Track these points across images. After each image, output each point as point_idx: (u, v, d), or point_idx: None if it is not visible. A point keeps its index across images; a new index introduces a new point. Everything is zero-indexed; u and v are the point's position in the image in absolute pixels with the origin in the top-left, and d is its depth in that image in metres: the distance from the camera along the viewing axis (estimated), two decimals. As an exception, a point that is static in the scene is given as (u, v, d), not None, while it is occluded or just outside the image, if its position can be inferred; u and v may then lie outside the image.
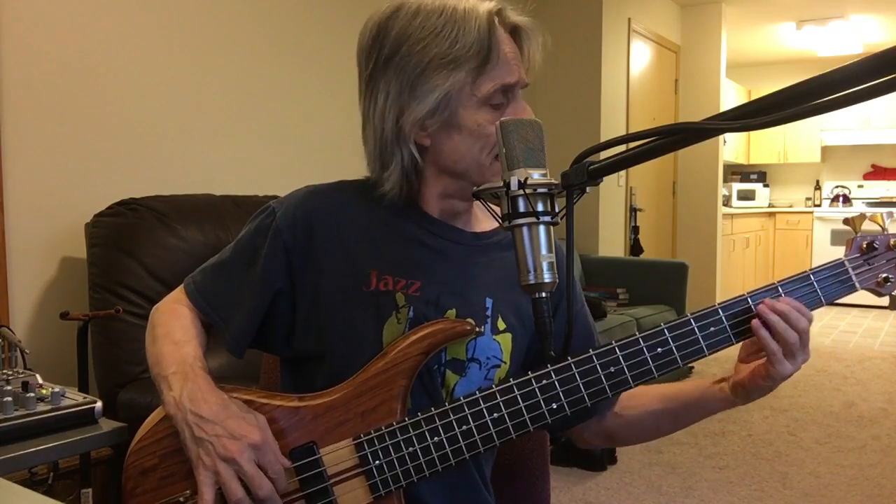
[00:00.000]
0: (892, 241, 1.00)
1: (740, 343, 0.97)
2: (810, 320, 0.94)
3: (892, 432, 3.54)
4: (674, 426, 1.07)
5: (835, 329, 6.28)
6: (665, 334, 0.94)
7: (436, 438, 0.92)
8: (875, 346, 5.60)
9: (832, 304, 7.31)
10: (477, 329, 0.97)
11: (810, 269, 0.99)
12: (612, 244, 5.01)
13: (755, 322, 0.93)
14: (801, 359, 0.93)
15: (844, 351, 5.37)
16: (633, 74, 5.18)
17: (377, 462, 0.92)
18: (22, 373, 1.64)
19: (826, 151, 8.26)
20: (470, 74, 0.94)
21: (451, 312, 0.99)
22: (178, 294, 1.07)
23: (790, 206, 8.38)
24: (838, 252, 1.02)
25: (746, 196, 8.21)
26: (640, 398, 1.07)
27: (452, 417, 0.93)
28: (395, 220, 1.03)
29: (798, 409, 3.91)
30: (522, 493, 1.22)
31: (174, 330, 1.01)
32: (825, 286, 0.98)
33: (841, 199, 8.15)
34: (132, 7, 2.53)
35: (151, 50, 2.60)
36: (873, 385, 4.41)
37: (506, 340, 1.02)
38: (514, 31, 0.99)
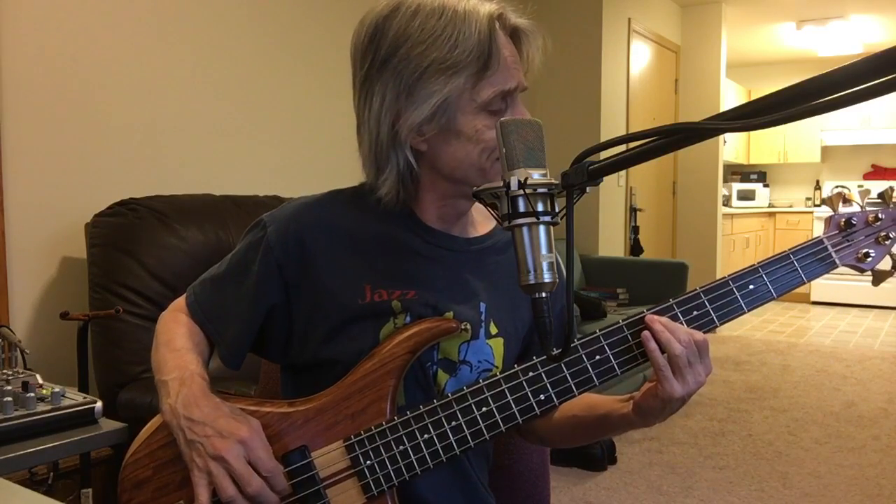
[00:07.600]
0: (870, 217, 1.01)
1: (724, 324, 0.95)
2: (702, 339, 0.90)
3: (892, 432, 3.54)
4: (586, 437, 1.04)
5: (835, 329, 6.27)
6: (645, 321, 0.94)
7: (425, 436, 0.92)
8: (875, 346, 5.60)
9: (833, 304, 7.32)
10: (462, 328, 0.97)
11: (790, 249, 0.98)
12: (612, 244, 5.01)
13: (645, 333, 0.90)
14: (691, 380, 0.88)
15: (844, 351, 5.37)
16: (633, 74, 5.18)
17: (368, 462, 0.92)
18: (22, 373, 1.64)
19: (826, 151, 8.26)
20: (469, 80, 0.91)
21: (449, 315, 0.99)
22: (182, 302, 1.08)
23: (790, 206, 8.38)
24: (838, 252, 1.02)
25: (746, 196, 8.21)
26: (569, 402, 1.00)
27: (441, 414, 0.93)
28: (388, 229, 1.01)
29: (798, 409, 3.91)
30: (522, 493, 1.22)
31: (175, 337, 1.01)
32: (806, 264, 0.97)
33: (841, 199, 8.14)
34: (132, 7, 2.53)
35: (151, 50, 2.60)
36: (873, 385, 4.41)
37: (498, 345, 1.02)
38: (514, 34, 0.97)
